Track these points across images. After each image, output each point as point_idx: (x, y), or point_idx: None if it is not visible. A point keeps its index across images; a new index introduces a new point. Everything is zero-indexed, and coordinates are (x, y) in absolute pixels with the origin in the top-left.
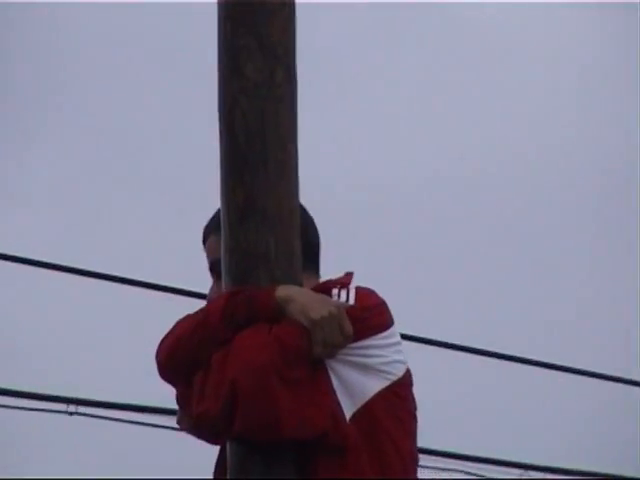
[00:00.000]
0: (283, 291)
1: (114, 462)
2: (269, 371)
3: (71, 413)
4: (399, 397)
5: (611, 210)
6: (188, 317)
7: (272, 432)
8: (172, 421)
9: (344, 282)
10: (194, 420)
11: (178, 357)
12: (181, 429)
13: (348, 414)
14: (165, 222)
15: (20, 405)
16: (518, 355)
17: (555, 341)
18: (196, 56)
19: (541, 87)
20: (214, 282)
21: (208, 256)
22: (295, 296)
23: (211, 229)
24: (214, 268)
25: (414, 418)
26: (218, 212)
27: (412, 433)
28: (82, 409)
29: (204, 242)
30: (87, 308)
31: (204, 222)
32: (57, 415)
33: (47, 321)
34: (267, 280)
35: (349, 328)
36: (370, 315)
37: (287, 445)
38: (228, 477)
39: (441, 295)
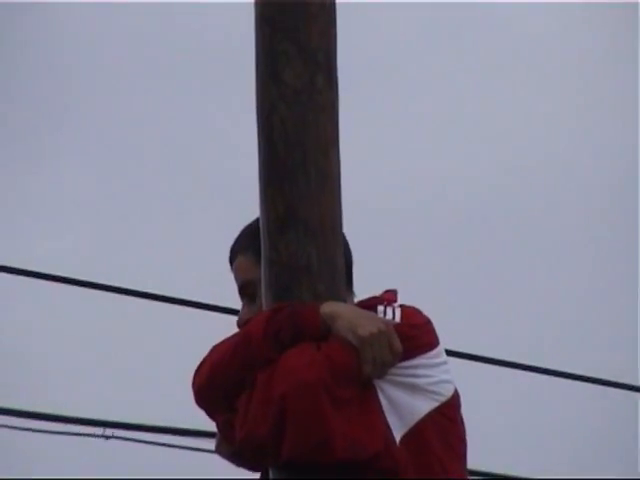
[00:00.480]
0: (328, 307)
1: None
2: (320, 389)
3: (107, 437)
4: (448, 419)
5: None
6: (225, 341)
7: (324, 453)
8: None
9: (389, 299)
10: (238, 444)
11: (218, 381)
12: (220, 456)
13: (397, 436)
14: (204, 236)
15: (54, 429)
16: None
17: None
18: (233, 62)
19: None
20: (244, 305)
21: (237, 278)
22: (341, 312)
23: (239, 249)
24: (244, 290)
25: (463, 441)
26: (244, 231)
27: (461, 457)
28: (119, 432)
29: (231, 263)
30: (122, 327)
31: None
32: (93, 439)
33: (81, 341)
34: (309, 295)
35: (399, 346)
36: (419, 333)
37: (333, 470)
38: None
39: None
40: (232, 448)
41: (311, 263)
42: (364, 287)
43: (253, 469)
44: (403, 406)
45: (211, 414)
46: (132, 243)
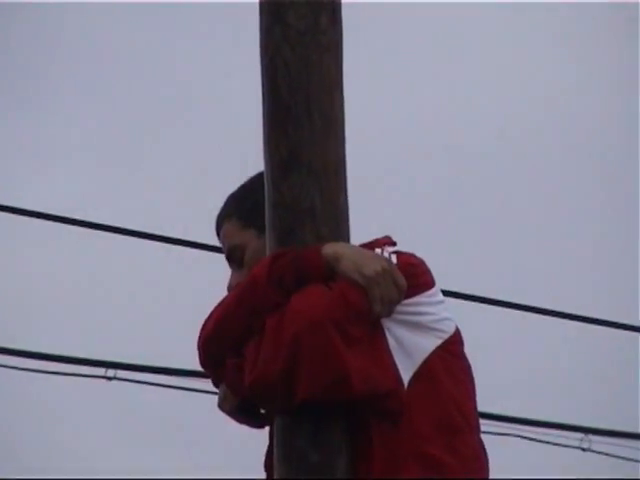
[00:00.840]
0: (330, 248)
1: (156, 429)
2: (332, 327)
3: (110, 378)
4: (453, 355)
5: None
6: (226, 296)
7: (342, 389)
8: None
9: (385, 243)
10: (248, 387)
11: (226, 330)
12: (223, 412)
13: (408, 375)
14: (207, 179)
15: (57, 370)
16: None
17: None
18: (237, 4)
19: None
20: (233, 270)
21: (224, 244)
22: (344, 253)
23: (224, 216)
24: (231, 256)
25: (469, 376)
26: (228, 199)
27: (471, 393)
28: (121, 373)
29: (218, 232)
30: (126, 268)
31: (246, 175)
32: (95, 380)
33: (85, 282)
34: (313, 238)
35: (403, 282)
36: (417, 272)
37: (336, 411)
38: (275, 452)
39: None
40: (236, 401)
41: (314, 206)
42: (366, 230)
43: (256, 424)
44: (410, 344)
45: (216, 371)
46: (128, 184)
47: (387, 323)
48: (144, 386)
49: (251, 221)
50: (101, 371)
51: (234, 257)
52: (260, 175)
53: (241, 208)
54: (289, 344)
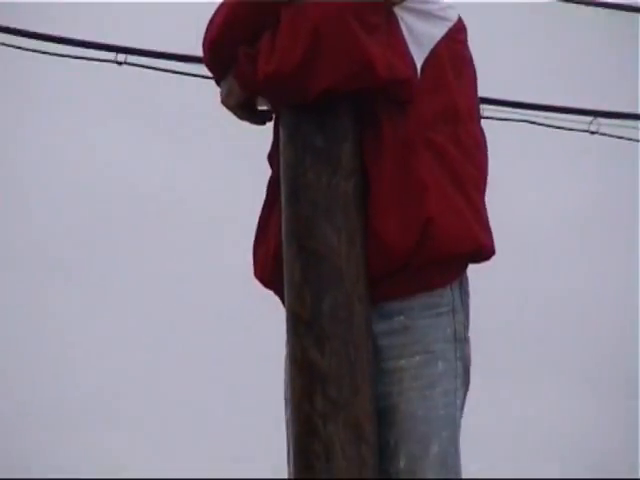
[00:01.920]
0: None
1: (162, 118)
2: (353, 16)
3: (120, 63)
4: (458, 42)
5: None
6: None
7: (366, 78)
8: None
9: None
10: (263, 80)
11: (234, 29)
12: (227, 108)
13: (419, 64)
14: None
15: (69, 53)
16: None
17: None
18: None
19: None
20: None
21: None
22: None
23: None
24: None
25: (472, 67)
26: None
27: (473, 83)
28: (131, 59)
29: None
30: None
31: None
32: (106, 65)
33: None
34: None
35: None
36: None
37: (343, 98)
38: (280, 137)
39: None
40: (243, 96)
41: None
42: None
43: (258, 120)
44: (420, 32)
45: (222, 70)
46: None
47: (399, 12)
48: (155, 73)
49: None
50: (111, 55)
51: None
52: None
53: None
54: (308, 35)
